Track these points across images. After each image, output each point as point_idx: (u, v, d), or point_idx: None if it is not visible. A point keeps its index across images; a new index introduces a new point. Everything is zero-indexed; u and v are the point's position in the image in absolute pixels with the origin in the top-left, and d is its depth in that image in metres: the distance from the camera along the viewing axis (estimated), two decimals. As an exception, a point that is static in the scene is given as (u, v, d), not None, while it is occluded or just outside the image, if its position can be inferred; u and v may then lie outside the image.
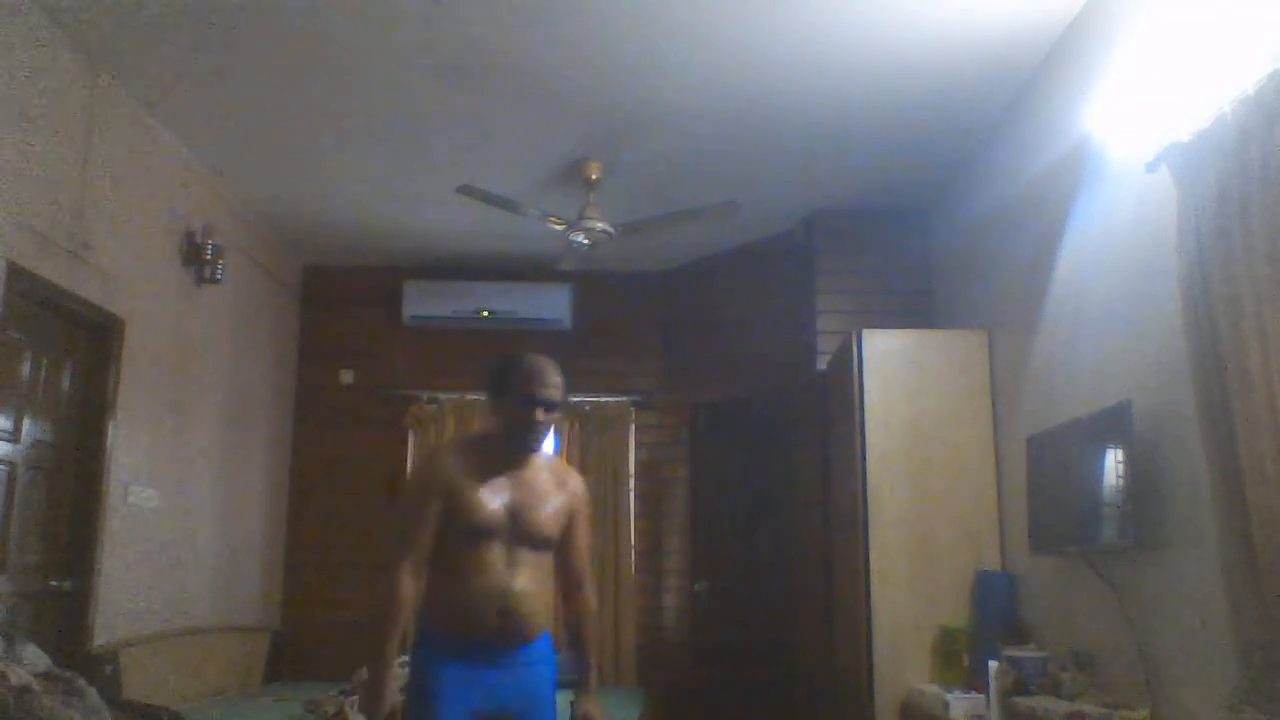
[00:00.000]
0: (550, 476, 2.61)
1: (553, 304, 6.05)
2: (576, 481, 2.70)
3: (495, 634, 2.45)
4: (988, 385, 4.26)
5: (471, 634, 2.45)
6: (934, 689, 3.77)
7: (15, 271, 3.37)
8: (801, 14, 3.45)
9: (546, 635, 2.58)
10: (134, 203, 4.17)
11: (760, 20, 3.49)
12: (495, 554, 2.46)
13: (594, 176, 4.69)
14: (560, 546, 2.61)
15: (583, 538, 2.67)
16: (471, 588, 2.45)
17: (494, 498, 2.48)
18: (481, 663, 2.45)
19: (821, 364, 5.06)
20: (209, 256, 4.72)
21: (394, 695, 2.46)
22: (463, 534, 2.47)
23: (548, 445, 2.67)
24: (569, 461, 6.18)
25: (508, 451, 2.54)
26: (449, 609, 2.48)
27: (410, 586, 2.48)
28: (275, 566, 5.86)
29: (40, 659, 3.10)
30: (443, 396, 6.10)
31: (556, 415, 2.55)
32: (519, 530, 2.49)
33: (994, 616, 3.89)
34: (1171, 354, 2.66)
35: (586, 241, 4.70)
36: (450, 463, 2.55)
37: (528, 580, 2.48)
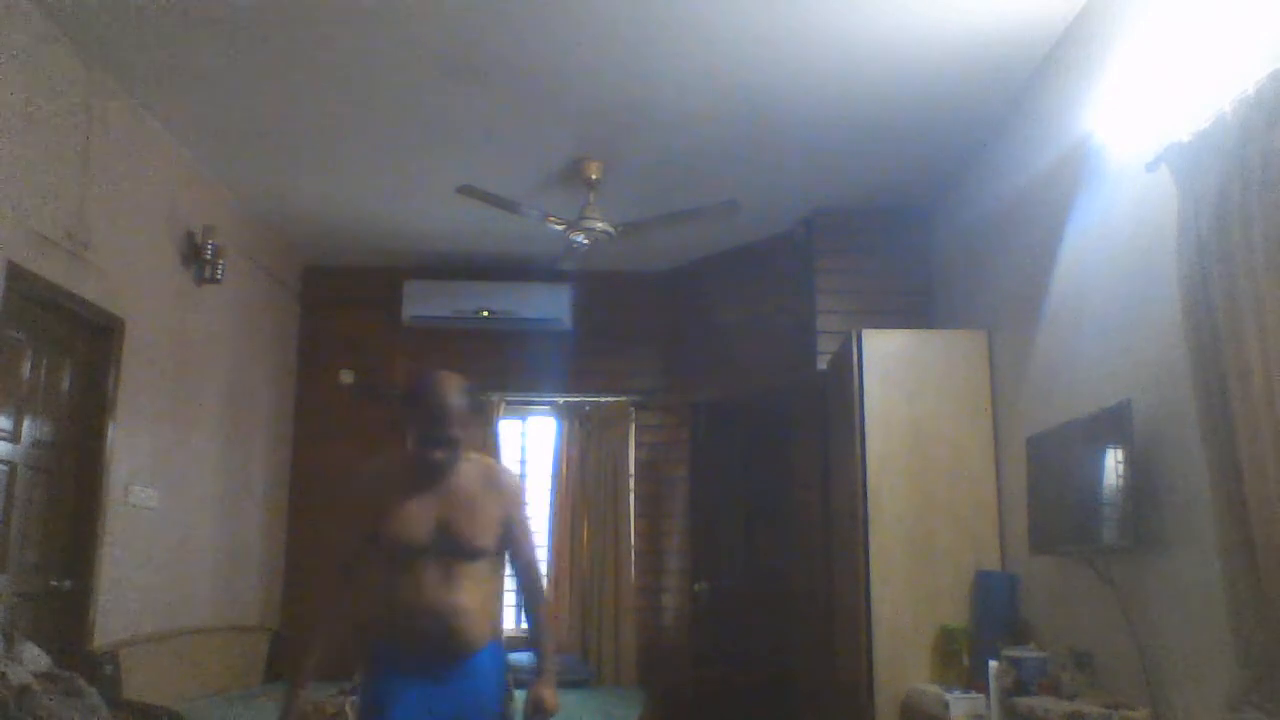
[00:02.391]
0: (482, 483, 2.59)
1: (553, 304, 6.04)
2: (507, 479, 2.71)
3: (433, 650, 2.47)
4: (988, 385, 4.26)
5: (410, 651, 2.48)
6: (934, 689, 3.76)
7: (15, 271, 3.37)
8: (801, 14, 3.45)
9: (492, 646, 2.58)
10: (134, 203, 4.17)
11: (760, 20, 3.49)
12: (427, 570, 2.47)
13: (594, 176, 4.69)
14: (502, 542, 2.61)
15: (523, 533, 2.67)
16: (406, 606, 2.47)
17: (419, 514, 2.49)
18: (423, 679, 2.47)
19: (821, 364, 5.06)
20: (209, 256, 4.72)
21: (300, 712, 2.51)
22: (391, 553, 2.50)
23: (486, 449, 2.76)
24: (569, 462, 6.20)
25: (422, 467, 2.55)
26: (388, 627, 2.51)
27: (334, 605, 2.57)
28: (275, 566, 5.86)
29: (40, 659, 3.10)
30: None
31: (459, 436, 2.52)
32: (449, 544, 2.49)
33: (994, 616, 3.88)
34: (1171, 354, 2.66)
35: (586, 241, 4.70)
36: (373, 482, 2.59)
37: (462, 594, 2.47)
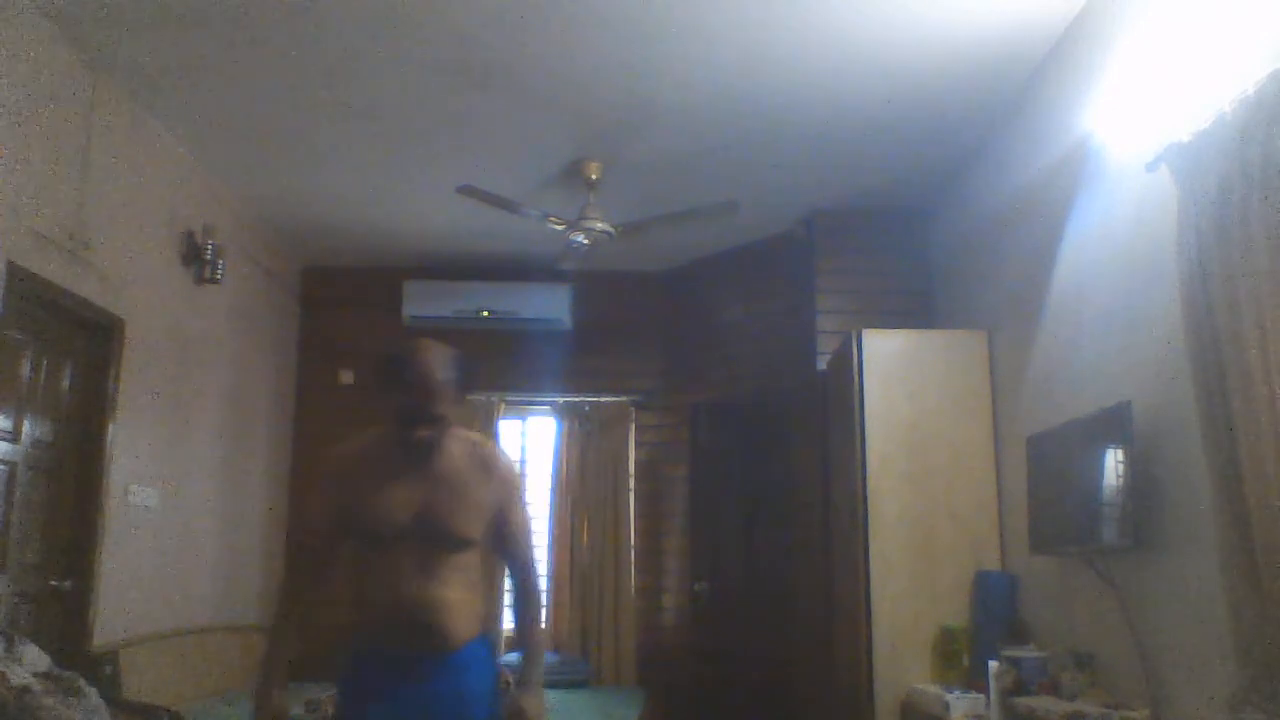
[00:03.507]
0: (470, 464, 2.33)
1: (553, 304, 6.05)
2: (502, 466, 2.43)
3: (411, 645, 2.26)
4: (988, 385, 4.25)
5: (387, 646, 2.28)
6: (934, 689, 3.77)
7: (15, 271, 3.37)
8: (801, 14, 3.45)
9: (477, 642, 2.35)
10: (134, 203, 4.17)
11: (760, 20, 3.49)
12: (403, 561, 2.24)
13: (594, 176, 4.69)
14: (497, 539, 2.38)
15: (517, 522, 2.41)
16: (381, 598, 2.26)
17: (397, 497, 2.26)
18: (401, 677, 2.27)
19: (821, 364, 5.06)
20: (209, 256, 4.72)
21: (276, 706, 2.28)
22: (366, 540, 2.29)
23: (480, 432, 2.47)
24: (569, 462, 6.19)
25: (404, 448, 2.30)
26: (364, 620, 2.31)
27: (301, 599, 2.38)
28: (275, 566, 5.86)
29: (40, 659, 3.10)
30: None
31: (444, 412, 2.25)
32: (430, 530, 2.25)
33: (994, 616, 3.89)
34: (1171, 354, 2.66)
35: (586, 241, 4.70)
36: (350, 463, 2.37)
37: (442, 586, 2.25)
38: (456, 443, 2.34)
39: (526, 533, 2.47)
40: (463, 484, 2.30)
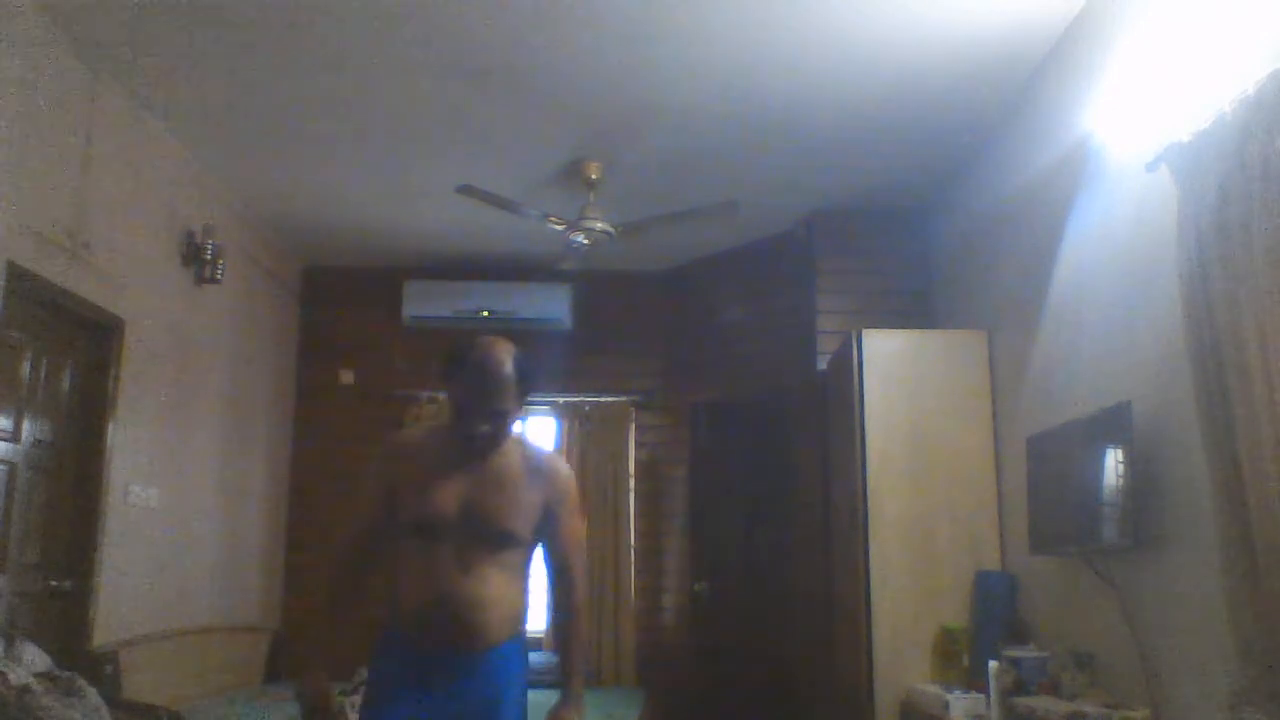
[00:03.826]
0: (524, 466, 2.31)
1: (553, 304, 6.05)
2: (557, 470, 2.40)
3: (444, 642, 2.22)
4: (988, 385, 4.25)
5: (419, 641, 2.24)
6: (934, 689, 3.76)
7: (15, 271, 3.37)
8: (801, 14, 3.45)
9: (511, 642, 2.31)
10: (134, 203, 4.17)
11: (760, 20, 3.49)
12: (444, 554, 2.21)
13: (594, 176, 4.69)
14: (545, 545, 2.36)
15: (568, 531, 2.38)
16: (418, 591, 2.22)
17: (445, 491, 2.23)
18: (432, 672, 2.23)
19: (821, 364, 5.06)
20: (209, 256, 4.72)
21: (326, 698, 2.26)
22: (408, 531, 2.25)
23: (535, 435, 2.45)
24: (568, 461, 6.18)
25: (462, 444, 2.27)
26: (398, 614, 2.27)
27: (348, 581, 2.33)
28: (275, 566, 5.86)
29: (40, 659, 3.10)
30: (443, 397, 6.09)
31: (508, 410, 2.24)
32: (473, 528, 2.23)
33: (994, 616, 3.89)
34: (1171, 354, 2.66)
35: (586, 241, 4.70)
36: (403, 451, 2.34)
37: (482, 584, 2.22)
38: (515, 444, 2.34)
39: (577, 542, 2.43)
40: (512, 482, 2.28)
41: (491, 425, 2.22)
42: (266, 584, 5.72)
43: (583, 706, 2.35)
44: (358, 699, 3.84)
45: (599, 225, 4.64)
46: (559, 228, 4.71)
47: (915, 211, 5.22)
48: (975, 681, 3.68)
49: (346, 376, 6.21)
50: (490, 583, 2.24)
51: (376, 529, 2.33)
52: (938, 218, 5.13)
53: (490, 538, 2.25)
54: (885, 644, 4.05)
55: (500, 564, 2.26)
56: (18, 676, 2.83)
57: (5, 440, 3.51)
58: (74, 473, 3.89)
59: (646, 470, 6.22)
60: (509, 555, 2.28)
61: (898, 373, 4.28)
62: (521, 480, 2.29)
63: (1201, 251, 2.41)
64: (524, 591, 2.35)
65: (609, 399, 6.19)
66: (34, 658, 3.07)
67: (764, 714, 5.42)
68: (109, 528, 3.97)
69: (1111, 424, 2.90)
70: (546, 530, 2.35)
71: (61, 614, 3.77)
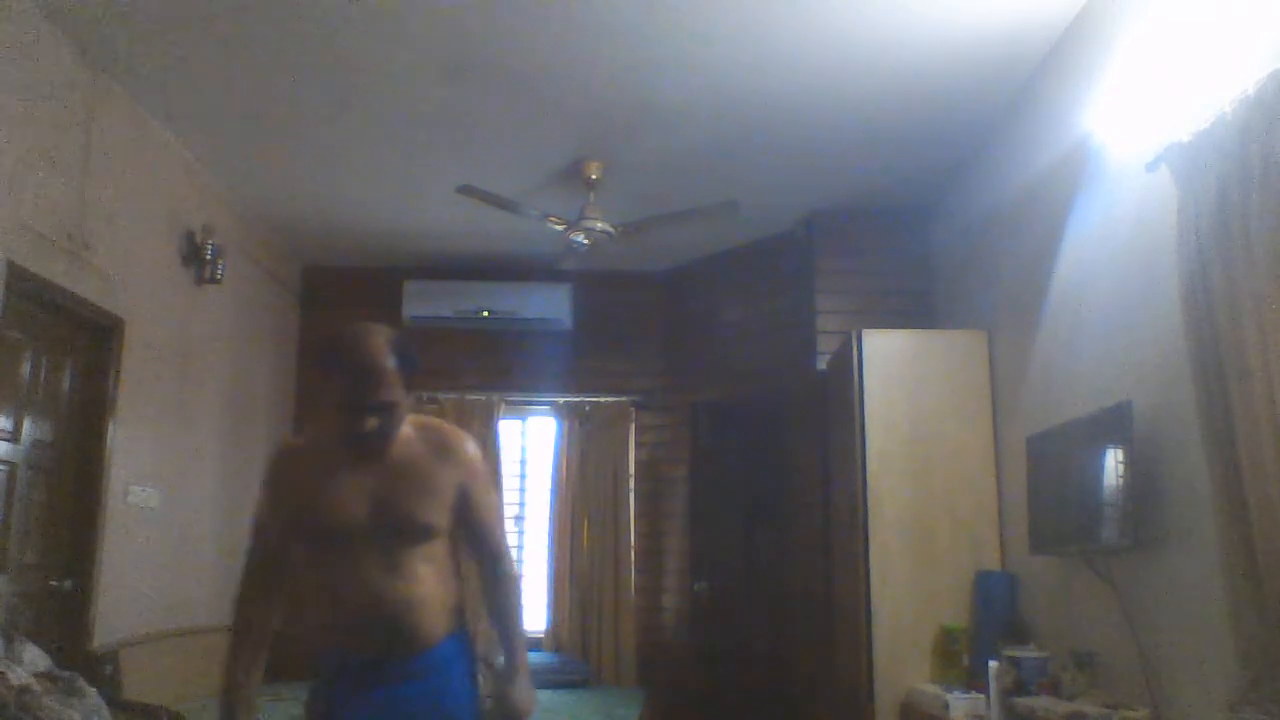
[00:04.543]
0: (427, 451, 2.14)
1: (553, 304, 6.05)
2: (461, 446, 2.20)
3: (379, 649, 2.09)
4: (988, 385, 4.26)
5: (353, 651, 2.11)
6: (934, 689, 3.77)
7: (15, 271, 3.37)
8: (801, 14, 3.45)
9: (453, 638, 2.18)
10: (134, 203, 4.17)
11: (760, 20, 3.49)
12: (365, 561, 2.06)
13: (594, 176, 4.69)
14: (463, 525, 2.19)
15: (485, 507, 2.21)
16: (342, 601, 2.09)
17: (350, 493, 2.07)
18: (371, 681, 2.10)
19: (821, 364, 5.06)
20: (209, 256, 4.72)
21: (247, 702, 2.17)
22: (319, 541, 2.12)
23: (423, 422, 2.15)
24: (569, 462, 6.19)
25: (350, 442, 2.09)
26: (327, 627, 2.15)
27: (256, 607, 2.23)
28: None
29: (40, 659, 3.10)
30: (443, 397, 6.10)
31: (395, 400, 2.03)
32: (391, 524, 2.07)
33: (994, 616, 3.89)
34: (1171, 354, 2.66)
35: (586, 241, 4.70)
36: (294, 464, 2.17)
37: (410, 581, 2.08)
38: (410, 429, 2.14)
39: (495, 515, 2.28)
40: (419, 470, 2.11)
41: (379, 419, 2.03)
42: (266, 584, 5.71)
43: (528, 683, 2.24)
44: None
45: (599, 225, 4.64)
46: (559, 228, 4.71)
47: (915, 211, 5.22)
48: (975, 681, 3.68)
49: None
50: (418, 580, 2.09)
51: (275, 558, 2.21)
52: (938, 218, 5.13)
53: (410, 534, 2.10)
54: (885, 644, 4.05)
55: (425, 558, 2.11)
56: (18, 676, 2.83)
57: (5, 440, 3.51)
58: (74, 473, 3.89)
59: (646, 470, 6.22)
60: (432, 548, 2.13)
61: (898, 373, 4.28)
62: (429, 466, 2.13)
63: (1201, 251, 2.41)
64: (455, 582, 2.20)
65: (609, 399, 6.19)
66: (34, 658, 3.07)
67: (764, 714, 5.42)
68: (109, 528, 3.97)
69: (1111, 424, 2.90)
70: (464, 511, 2.18)
71: (61, 614, 3.77)
